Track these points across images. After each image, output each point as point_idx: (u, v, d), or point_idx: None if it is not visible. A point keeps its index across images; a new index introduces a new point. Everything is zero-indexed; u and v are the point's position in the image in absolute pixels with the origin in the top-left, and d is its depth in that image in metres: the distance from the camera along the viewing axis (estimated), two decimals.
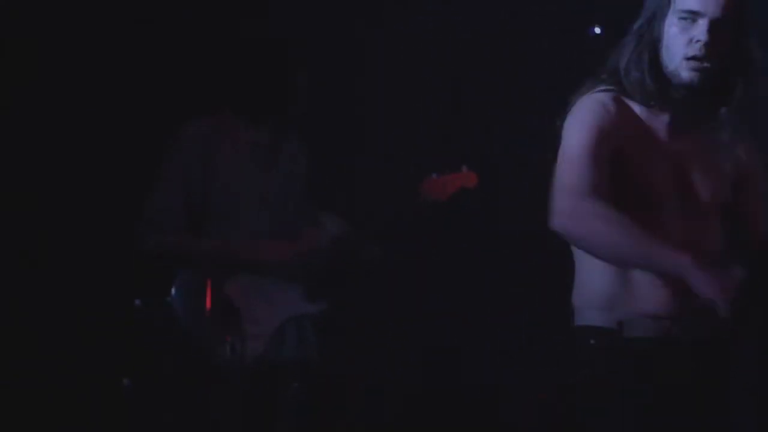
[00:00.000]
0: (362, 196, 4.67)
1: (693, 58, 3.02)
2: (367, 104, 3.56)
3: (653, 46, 3.07)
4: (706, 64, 3.03)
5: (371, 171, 4.44)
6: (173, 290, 4.06)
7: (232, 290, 4.09)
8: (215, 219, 4.12)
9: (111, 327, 4.09)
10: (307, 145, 4.17)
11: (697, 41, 3.02)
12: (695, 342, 2.99)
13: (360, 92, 4.99)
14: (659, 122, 3.11)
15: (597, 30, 4.95)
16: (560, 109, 3.17)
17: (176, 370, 3.99)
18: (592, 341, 3.04)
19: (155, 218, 4.07)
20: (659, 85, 3.07)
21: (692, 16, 3.04)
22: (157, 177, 4.15)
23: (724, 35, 3.03)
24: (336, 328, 4.26)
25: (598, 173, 2.99)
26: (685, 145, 3.10)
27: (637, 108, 3.11)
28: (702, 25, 3.02)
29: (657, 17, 3.08)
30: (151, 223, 4.06)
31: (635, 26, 3.11)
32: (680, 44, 3.04)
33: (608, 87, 3.11)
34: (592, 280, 3.08)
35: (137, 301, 4.08)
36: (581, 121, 3.06)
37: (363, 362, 5.00)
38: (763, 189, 3.09)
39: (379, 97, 4.88)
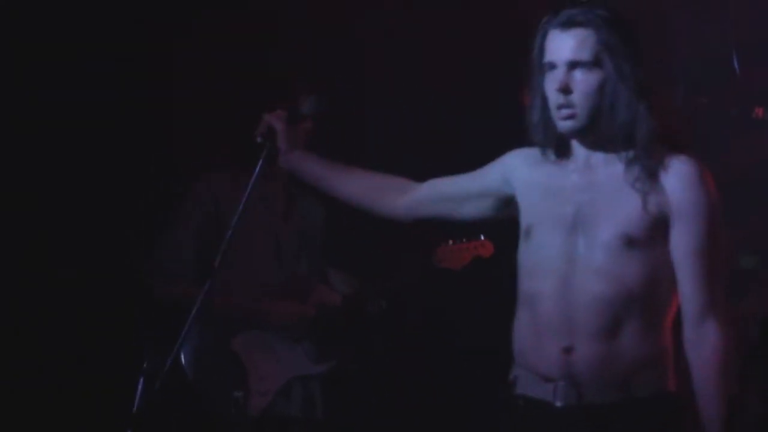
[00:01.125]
0: (375, 254, 4.65)
1: (560, 106, 2.95)
2: (385, 162, 3.55)
3: (543, 101, 3.01)
4: (573, 110, 2.95)
5: (386, 230, 4.41)
6: (182, 348, 3.96)
7: (239, 346, 4.07)
8: (226, 269, 4.10)
9: (117, 381, 4.07)
10: (323, 202, 4.15)
11: (554, 89, 2.96)
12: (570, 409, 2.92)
13: (376, 149, 4.98)
14: (564, 172, 3.04)
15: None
16: None
17: (182, 425, 3.96)
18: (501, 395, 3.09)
19: (165, 266, 4.07)
20: (552, 137, 3.03)
21: (552, 66, 2.97)
22: (168, 225, 4.14)
23: (588, 77, 2.94)
24: (342, 385, 4.22)
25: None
26: (584, 190, 2.98)
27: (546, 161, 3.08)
28: (558, 73, 2.96)
29: (539, 73, 3.02)
30: (161, 271, 4.06)
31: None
32: (551, 96, 2.97)
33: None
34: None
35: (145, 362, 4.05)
36: None
37: (369, 420, 4.96)
38: (695, 224, 2.92)
39: (397, 154, 4.87)
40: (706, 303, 2.89)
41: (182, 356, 4.03)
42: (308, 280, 4.18)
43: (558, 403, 2.92)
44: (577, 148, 3.03)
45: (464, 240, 4.18)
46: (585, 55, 2.93)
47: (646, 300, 2.92)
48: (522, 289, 3.03)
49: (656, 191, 2.93)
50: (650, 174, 2.93)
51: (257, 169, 3.21)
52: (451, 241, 4.17)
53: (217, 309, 4.02)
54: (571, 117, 2.95)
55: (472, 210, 3.21)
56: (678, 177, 2.93)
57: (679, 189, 2.93)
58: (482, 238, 4.17)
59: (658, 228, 2.93)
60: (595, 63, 2.93)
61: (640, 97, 2.94)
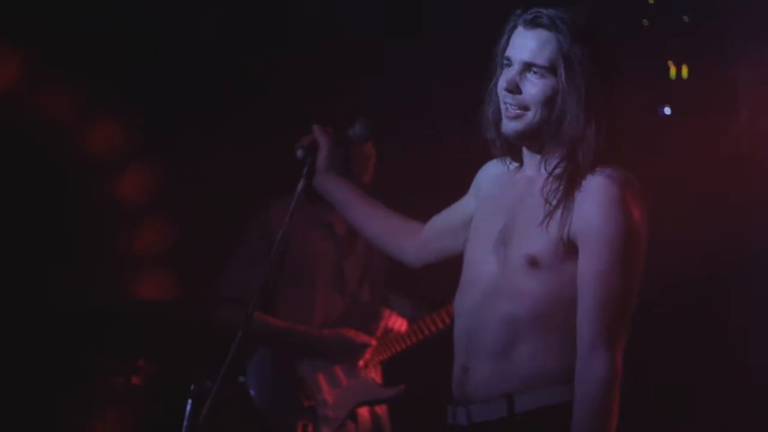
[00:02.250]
0: (436, 279, 4.63)
1: (506, 104, 2.77)
2: (440, 183, 3.53)
3: (496, 97, 2.84)
4: (519, 111, 2.75)
5: None
6: (247, 371, 4.09)
7: (306, 372, 4.09)
8: (289, 297, 4.10)
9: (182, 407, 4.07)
10: None
11: (505, 88, 2.77)
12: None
13: (435, 173, 4.97)
14: (511, 184, 2.87)
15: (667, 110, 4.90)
16: None
17: None
18: None
19: (229, 293, 4.08)
20: (502, 138, 2.83)
21: (508, 61, 2.78)
22: (232, 253, 4.15)
23: (539, 82, 2.74)
24: (410, 410, 4.21)
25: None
26: (517, 205, 2.79)
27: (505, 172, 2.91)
28: (511, 70, 2.77)
29: (497, 67, 2.84)
30: (225, 297, 4.08)
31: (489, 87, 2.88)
32: (500, 92, 2.79)
33: None
34: None
35: (209, 381, 4.05)
36: None
37: None
38: (599, 248, 2.67)
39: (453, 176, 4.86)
40: (599, 334, 2.65)
41: (248, 382, 4.07)
42: (371, 306, 4.18)
43: (456, 424, 2.81)
44: (527, 158, 2.84)
45: None
46: (542, 59, 2.73)
47: (552, 320, 2.71)
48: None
49: (568, 211, 2.71)
50: (567, 193, 2.72)
51: (300, 186, 3.07)
52: None
53: (279, 336, 4.06)
54: (516, 118, 2.75)
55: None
56: (591, 200, 2.70)
57: (589, 214, 2.70)
58: None
59: (566, 249, 2.71)
60: (549, 70, 2.73)
61: (591, 115, 2.72)
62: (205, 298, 4.20)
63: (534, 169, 2.80)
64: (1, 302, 4.58)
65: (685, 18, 4.63)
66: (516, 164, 2.85)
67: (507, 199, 2.82)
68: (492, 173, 2.93)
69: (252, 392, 4.06)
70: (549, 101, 2.73)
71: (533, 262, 2.71)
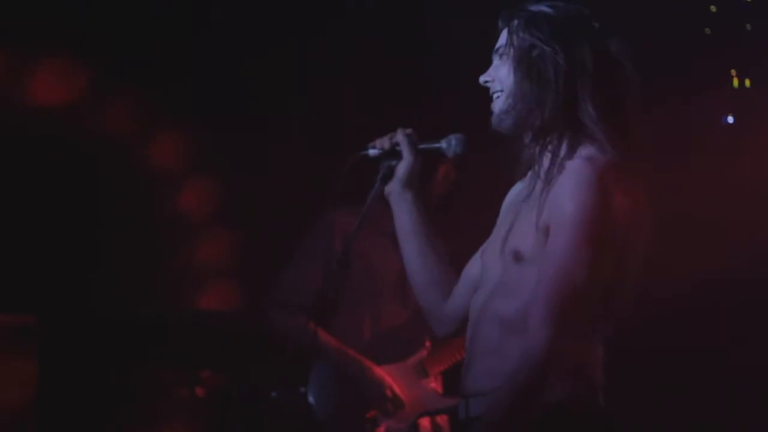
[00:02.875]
0: None
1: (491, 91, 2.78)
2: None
3: None
4: (496, 96, 2.73)
5: None
6: (308, 380, 4.08)
7: (367, 384, 4.07)
8: (351, 307, 4.11)
9: (246, 416, 4.09)
10: (446, 239, 4.14)
11: (481, 82, 2.78)
12: None
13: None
14: (519, 188, 2.82)
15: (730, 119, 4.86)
16: None
17: None
18: None
19: (284, 300, 4.07)
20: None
21: None
22: (291, 260, 4.17)
23: (506, 61, 2.72)
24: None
25: None
26: (519, 206, 2.73)
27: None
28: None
29: None
30: (280, 303, 4.07)
31: None
32: None
33: None
34: None
35: (273, 393, 4.07)
36: None
37: None
38: (560, 230, 2.57)
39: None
40: (545, 315, 2.53)
41: (310, 392, 4.07)
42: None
43: (461, 417, 2.76)
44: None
45: None
46: (502, 41, 2.75)
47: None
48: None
49: (546, 198, 2.63)
50: (548, 182, 2.65)
51: (374, 191, 2.91)
52: None
53: (328, 353, 4.07)
54: (494, 103, 2.74)
55: None
56: (562, 183, 2.62)
57: (557, 196, 2.61)
58: None
59: (544, 238, 2.63)
60: (510, 46, 2.72)
61: (566, 103, 2.65)
62: (262, 305, 4.21)
63: (534, 170, 2.74)
64: (66, 315, 4.64)
65: (748, 26, 4.60)
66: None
67: (512, 204, 2.79)
68: (515, 189, 2.87)
69: (312, 402, 4.06)
70: (516, 77, 2.70)
71: (518, 256, 2.65)
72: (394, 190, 2.95)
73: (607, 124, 2.63)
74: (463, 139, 2.87)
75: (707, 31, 4.65)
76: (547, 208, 2.61)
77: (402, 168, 2.92)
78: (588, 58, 2.66)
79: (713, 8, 4.66)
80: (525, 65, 2.68)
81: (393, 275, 4.11)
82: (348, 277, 4.01)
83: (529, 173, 2.75)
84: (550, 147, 2.67)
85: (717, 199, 4.45)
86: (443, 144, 2.89)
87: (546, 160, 2.67)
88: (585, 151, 2.62)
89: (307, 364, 4.08)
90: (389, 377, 4.09)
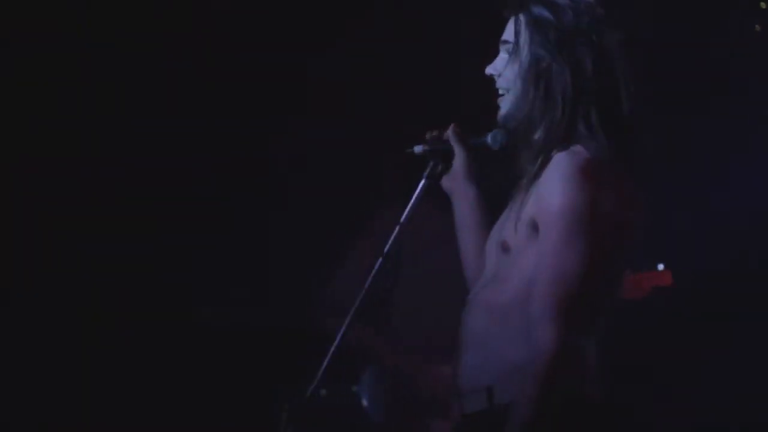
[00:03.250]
0: None
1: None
2: None
3: None
4: (501, 93, 2.77)
5: None
6: (360, 381, 4.11)
7: (421, 385, 4.07)
8: (407, 310, 4.12)
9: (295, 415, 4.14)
10: None
11: (487, 74, 2.82)
12: None
13: None
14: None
15: None
16: None
17: None
18: None
19: (338, 303, 4.08)
20: None
21: None
22: (343, 261, 4.19)
23: (514, 63, 2.74)
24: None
25: None
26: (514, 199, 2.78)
27: None
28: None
29: None
30: (334, 307, 3.97)
31: None
32: None
33: None
34: None
35: (323, 390, 4.09)
36: None
37: None
38: (551, 225, 2.58)
39: None
40: (547, 310, 2.56)
41: (361, 392, 4.09)
42: None
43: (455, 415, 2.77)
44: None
45: (644, 270, 4.15)
46: (509, 35, 2.75)
47: (523, 307, 2.62)
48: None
49: (531, 194, 2.67)
50: (535, 175, 2.68)
51: (421, 187, 2.90)
52: (630, 271, 4.08)
53: (380, 355, 4.10)
54: (501, 102, 2.79)
55: None
56: (547, 176, 2.64)
57: (543, 190, 2.63)
58: (661, 267, 4.14)
59: (528, 231, 2.65)
60: (517, 43, 2.74)
61: (546, 94, 2.70)
62: (315, 306, 4.25)
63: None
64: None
65: None
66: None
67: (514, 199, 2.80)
68: None
69: (364, 401, 4.08)
70: (524, 76, 2.72)
71: (505, 247, 2.68)
72: (455, 185, 2.97)
73: (602, 135, 2.65)
74: (505, 133, 2.85)
75: (757, 28, 4.63)
76: (534, 202, 2.64)
77: (458, 163, 2.94)
78: (591, 71, 2.67)
79: (763, 5, 4.65)
80: (533, 76, 2.71)
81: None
82: (400, 277, 4.06)
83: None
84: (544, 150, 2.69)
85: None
86: (488, 138, 2.87)
87: (536, 152, 2.70)
88: (571, 145, 2.64)
89: (360, 364, 4.10)
90: (444, 378, 4.10)
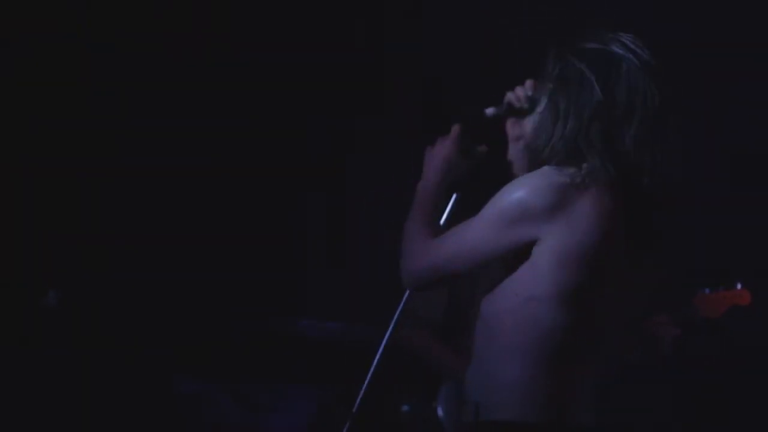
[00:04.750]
0: None
1: None
2: None
3: None
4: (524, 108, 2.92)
5: None
6: (439, 394, 4.12)
7: None
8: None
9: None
10: None
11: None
12: None
13: None
14: None
15: None
16: None
17: None
18: None
19: (414, 314, 4.03)
20: None
21: None
22: None
23: (548, 105, 2.83)
24: None
25: None
26: None
27: None
28: None
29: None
30: (410, 318, 3.99)
31: None
32: None
33: None
34: None
35: (405, 407, 4.11)
36: None
37: None
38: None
39: None
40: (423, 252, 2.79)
41: (439, 408, 4.10)
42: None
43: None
44: None
45: (721, 288, 4.07)
46: (549, 71, 2.86)
47: (514, 320, 2.74)
48: None
49: None
50: None
51: (452, 202, 3.06)
52: (708, 290, 4.07)
53: (450, 371, 4.10)
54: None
55: None
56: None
57: None
58: (739, 286, 4.07)
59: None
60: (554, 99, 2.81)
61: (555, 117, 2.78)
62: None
63: None
64: None
65: None
66: None
67: None
68: None
69: (442, 417, 4.08)
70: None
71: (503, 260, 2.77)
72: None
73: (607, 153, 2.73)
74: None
75: None
76: None
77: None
78: (620, 101, 2.75)
79: None
80: (563, 109, 2.77)
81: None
82: (477, 293, 4.14)
83: None
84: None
85: None
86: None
87: None
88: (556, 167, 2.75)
89: (438, 379, 4.11)
90: None
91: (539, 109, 2.84)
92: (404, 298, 3.09)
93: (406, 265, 2.82)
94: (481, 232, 2.74)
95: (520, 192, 2.72)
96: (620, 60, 2.76)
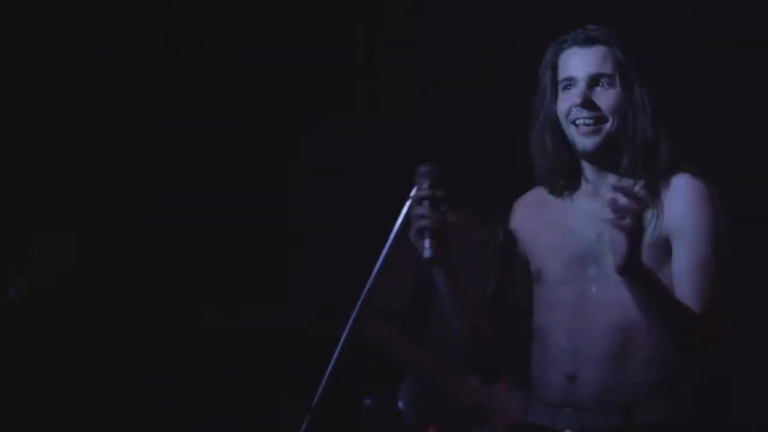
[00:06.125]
0: None
1: (576, 122, 2.89)
2: None
3: (553, 125, 2.96)
4: (597, 126, 2.89)
5: None
6: (401, 391, 4.13)
7: (456, 396, 4.08)
8: (443, 316, 4.20)
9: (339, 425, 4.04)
10: None
11: (575, 105, 2.89)
12: None
13: None
14: (572, 204, 3.00)
15: None
16: None
17: None
18: None
19: (378, 307, 4.01)
20: (570, 159, 2.97)
21: (570, 82, 2.92)
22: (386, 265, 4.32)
23: (611, 91, 2.90)
24: None
25: None
26: (593, 220, 2.90)
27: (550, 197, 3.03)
28: (579, 87, 2.90)
29: (548, 93, 2.97)
30: (374, 310, 3.99)
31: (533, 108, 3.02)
32: (570, 113, 2.90)
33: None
34: None
35: (367, 401, 4.14)
36: None
37: None
38: (695, 241, 2.84)
39: None
40: (702, 312, 2.78)
41: (401, 402, 4.10)
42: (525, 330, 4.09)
43: (558, 428, 2.85)
44: (589, 173, 2.97)
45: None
46: (608, 69, 2.89)
47: (655, 327, 2.78)
48: (534, 323, 3.00)
49: (660, 215, 2.86)
50: (654, 197, 2.87)
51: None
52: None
53: (417, 366, 4.10)
54: (595, 132, 2.89)
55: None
56: (681, 198, 2.86)
57: (681, 211, 2.85)
58: None
59: (662, 253, 2.85)
60: (616, 79, 2.89)
61: (659, 120, 2.88)
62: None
63: (598, 184, 2.94)
64: None
65: None
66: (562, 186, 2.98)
67: (574, 221, 2.94)
68: (530, 206, 3.07)
69: (404, 411, 4.09)
70: (622, 110, 2.88)
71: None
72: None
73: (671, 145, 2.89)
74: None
75: None
76: (670, 223, 2.86)
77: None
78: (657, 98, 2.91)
79: None
80: (632, 108, 2.89)
81: (486, 287, 4.18)
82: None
83: (576, 191, 2.98)
84: (640, 170, 2.91)
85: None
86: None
87: (632, 178, 2.90)
88: (684, 170, 2.90)
89: (400, 373, 4.11)
90: (479, 389, 4.09)
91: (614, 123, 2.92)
92: (365, 289, 3.05)
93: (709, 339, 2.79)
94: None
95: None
96: None
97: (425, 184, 2.85)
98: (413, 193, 2.86)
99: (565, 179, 2.99)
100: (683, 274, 2.82)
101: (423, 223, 2.85)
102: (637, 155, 2.89)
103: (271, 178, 5.12)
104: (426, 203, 2.85)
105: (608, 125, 2.89)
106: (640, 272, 2.69)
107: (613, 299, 2.83)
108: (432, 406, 4.07)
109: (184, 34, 5.04)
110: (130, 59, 4.98)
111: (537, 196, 3.06)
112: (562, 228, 2.98)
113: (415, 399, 4.07)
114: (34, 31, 4.91)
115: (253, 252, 5.02)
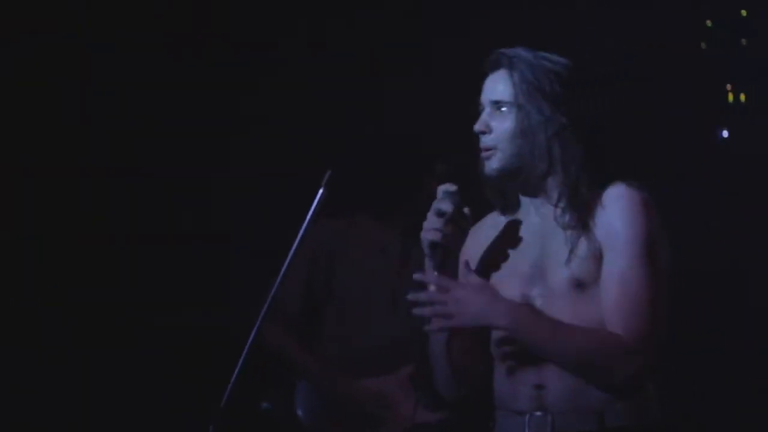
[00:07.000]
0: None
1: (482, 148, 2.90)
2: None
3: None
4: (487, 152, 2.88)
5: None
6: (297, 394, 4.09)
7: (356, 396, 4.06)
8: (341, 319, 4.08)
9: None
10: None
11: (477, 130, 2.90)
12: None
13: None
14: (515, 225, 2.98)
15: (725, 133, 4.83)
16: None
17: None
18: None
19: (273, 314, 3.97)
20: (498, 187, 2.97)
21: (481, 106, 2.93)
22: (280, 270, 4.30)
23: (505, 118, 2.87)
24: None
25: None
26: (534, 239, 2.92)
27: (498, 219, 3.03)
28: (483, 112, 2.91)
29: None
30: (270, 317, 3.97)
31: None
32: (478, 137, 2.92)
33: None
34: None
35: (264, 404, 4.11)
36: None
37: None
38: (625, 251, 2.80)
39: None
40: (629, 329, 2.76)
41: (297, 406, 4.07)
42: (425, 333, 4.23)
43: None
44: (520, 197, 2.96)
45: None
46: (506, 96, 2.87)
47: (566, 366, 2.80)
48: (493, 338, 2.95)
49: (593, 227, 2.84)
50: (582, 212, 2.84)
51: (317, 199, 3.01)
52: None
53: (310, 373, 4.07)
54: (490, 159, 2.88)
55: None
56: (612, 209, 2.83)
57: (611, 221, 2.82)
58: None
59: (599, 266, 2.83)
60: (515, 105, 2.85)
61: (564, 139, 2.85)
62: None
63: (529, 205, 2.94)
64: None
65: (743, 42, 4.73)
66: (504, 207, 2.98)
67: (518, 241, 2.95)
68: (480, 230, 3.03)
69: (299, 413, 4.08)
70: (520, 134, 2.86)
71: (579, 285, 2.82)
72: None
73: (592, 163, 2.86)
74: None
75: (703, 45, 4.78)
76: (602, 234, 2.83)
77: None
78: (573, 113, 2.86)
79: (709, 23, 4.81)
80: (529, 133, 2.86)
81: (384, 289, 4.07)
82: (335, 288, 3.97)
83: (515, 215, 2.97)
84: (565, 190, 2.87)
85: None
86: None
87: (561, 201, 2.88)
88: (616, 181, 2.86)
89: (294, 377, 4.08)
90: (377, 390, 4.06)
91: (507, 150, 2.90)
92: (272, 291, 3.03)
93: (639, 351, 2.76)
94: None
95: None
96: None
97: (450, 201, 2.89)
98: (435, 204, 2.90)
99: (503, 198, 2.99)
100: (606, 286, 2.81)
101: (437, 237, 2.90)
102: (543, 175, 2.88)
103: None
104: (445, 219, 2.88)
105: (500, 152, 2.89)
106: (513, 328, 2.77)
107: (561, 312, 2.83)
108: (328, 410, 4.07)
109: (184, 34, 5.04)
110: (130, 59, 4.99)
111: (491, 218, 3.07)
112: (510, 245, 2.97)
113: (311, 404, 4.07)
114: (34, 31, 4.93)
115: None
